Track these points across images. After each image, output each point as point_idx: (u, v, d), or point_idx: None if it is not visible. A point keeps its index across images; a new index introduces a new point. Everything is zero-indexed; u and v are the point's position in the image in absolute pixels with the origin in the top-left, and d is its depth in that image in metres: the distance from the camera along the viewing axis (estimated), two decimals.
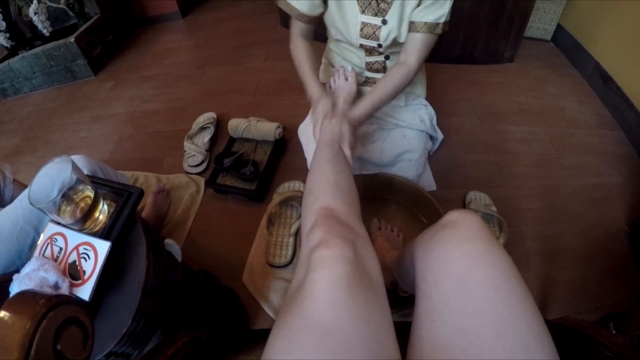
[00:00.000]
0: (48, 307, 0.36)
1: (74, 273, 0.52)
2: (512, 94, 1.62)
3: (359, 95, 0.94)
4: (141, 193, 0.62)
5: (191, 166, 1.41)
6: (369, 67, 0.98)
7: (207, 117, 1.56)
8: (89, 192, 0.56)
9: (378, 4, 0.81)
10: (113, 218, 0.58)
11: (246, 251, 1.14)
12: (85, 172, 0.73)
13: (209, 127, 1.51)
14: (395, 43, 0.87)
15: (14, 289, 0.48)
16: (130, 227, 0.61)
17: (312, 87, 0.87)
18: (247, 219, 1.22)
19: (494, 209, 1.17)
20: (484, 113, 1.53)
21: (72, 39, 1.94)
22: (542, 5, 1.79)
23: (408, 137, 1.03)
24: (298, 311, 0.39)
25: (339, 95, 0.90)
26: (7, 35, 1.87)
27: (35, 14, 1.84)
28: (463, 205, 1.20)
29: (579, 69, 1.72)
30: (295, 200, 1.20)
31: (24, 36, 1.97)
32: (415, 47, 0.82)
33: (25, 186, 0.91)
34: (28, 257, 0.59)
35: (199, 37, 2.30)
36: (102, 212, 0.59)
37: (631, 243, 1.10)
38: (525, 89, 1.64)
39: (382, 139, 1.04)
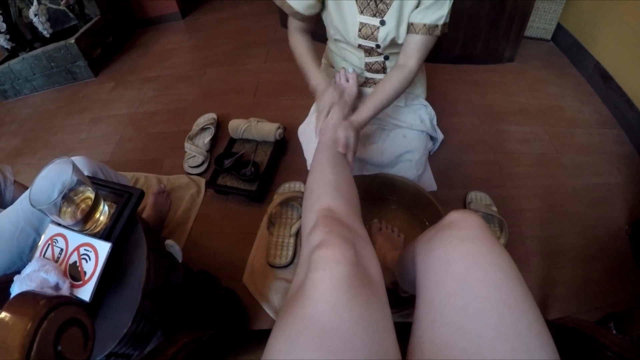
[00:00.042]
0: (49, 308, 0.36)
1: (74, 274, 0.52)
2: (512, 93, 1.62)
3: (359, 96, 0.95)
4: (142, 194, 0.62)
5: (192, 167, 1.41)
6: (369, 67, 0.98)
7: (208, 118, 1.56)
8: (90, 193, 0.56)
9: (376, 5, 0.81)
10: (114, 219, 0.58)
11: (247, 252, 1.14)
12: (86, 173, 0.73)
13: (209, 128, 1.51)
14: (394, 44, 0.87)
15: (15, 290, 0.48)
16: (131, 228, 0.61)
17: (317, 78, 0.88)
18: (248, 220, 1.22)
19: (494, 209, 1.17)
20: (484, 113, 1.53)
21: (72, 40, 1.94)
22: (542, 4, 1.79)
23: (408, 137, 1.03)
24: (299, 312, 0.39)
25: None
26: (8, 36, 1.87)
27: (35, 15, 1.84)
28: (463, 205, 1.20)
29: (579, 69, 1.72)
30: (295, 201, 1.20)
31: (24, 38, 1.97)
32: (415, 49, 0.82)
33: (25, 187, 0.92)
34: (29, 258, 0.59)
35: (199, 38, 2.31)
36: (103, 213, 0.59)
37: (631, 243, 1.10)
38: (525, 89, 1.64)
39: (382, 140, 1.04)
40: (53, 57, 1.98)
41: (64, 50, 1.96)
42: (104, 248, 0.53)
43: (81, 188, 0.54)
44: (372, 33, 0.85)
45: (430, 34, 0.79)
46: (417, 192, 1.03)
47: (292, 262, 1.10)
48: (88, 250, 0.53)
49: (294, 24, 0.92)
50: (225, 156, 1.36)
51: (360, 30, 0.86)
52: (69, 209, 0.53)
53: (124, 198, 0.60)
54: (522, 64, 1.77)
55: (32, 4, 1.83)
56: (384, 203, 1.13)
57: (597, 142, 1.41)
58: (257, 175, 1.28)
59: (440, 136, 1.18)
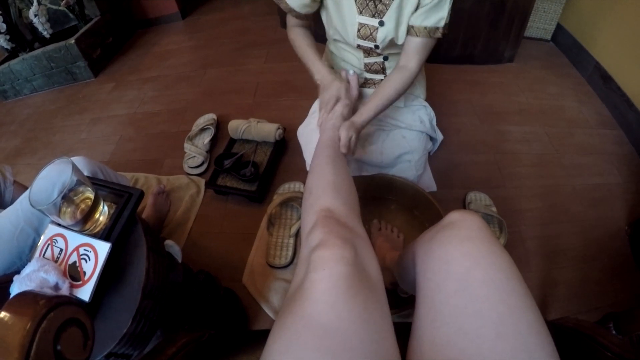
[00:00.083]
0: (48, 307, 0.36)
1: (74, 274, 0.52)
2: (512, 94, 1.62)
3: (359, 97, 0.95)
4: (141, 194, 0.62)
5: (191, 167, 1.41)
6: (368, 68, 0.98)
7: (207, 118, 1.56)
8: (90, 194, 0.56)
9: (375, 5, 0.81)
10: (113, 219, 0.58)
11: (246, 252, 1.14)
12: (86, 173, 0.73)
13: (209, 128, 1.51)
14: (393, 44, 0.87)
15: (15, 290, 0.48)
16: (131, 228, 0.61)
17: (322, 72, 0.88)
18: (248, 220, 1.22)
19: (494, 209, 1.17)
20: (484, 113, 1.53)
21: (72, 40, 1.94)
22: (542, 5, 1.79)
23: (408, 138, 1.03)
24: (298, 311, 0.39)
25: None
26: (8, 37, 1.87)
27: (35, 16, 1.85)
28: (463, 205, 1.20)
29: (579, 69, 1.72)
30: (295, 201, 1.20)
31: (24, 38, 1.97)
32: (415, 51, 0.83)
33: (25, 188, 0.92)
34: (28, 259, 0.59)
35: (199, 39, 2.31)
36: (103, 214, 0.59)
37: (631, 243, 1.10)
38: (525, 89, 1.64)
39: (381, 141, 1.04)
40: (53, 58, 1.98)
41: (64, 50, 1.96)
42: (103, 248, 0.53)
43: (81, 188, 0.54)
44: (371, 34, 0.86)
45: (432, 36, 0.79)
46: (417, 192, 1.03)
47: (291, 262, 1.10)
48: (88, 251, 0.53)
49: (292, 21, 0.93)
50: (225, 156, 1.36)
51: (359, 30, 0.86)
52: (69, 209, 0.53)
53: (124, 198, 0.61)
54: (522, 64, 1.77)
55: (32, 4, 1.83)
56: (383, 203, 1.13)
57: (597, 142, 1.41)
58: (257, 176, 1.28)
59: (439, 137, 1.18)
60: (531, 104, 1.56)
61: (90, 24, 2.07)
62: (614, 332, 0.75)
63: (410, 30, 0.81)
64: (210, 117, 1.56)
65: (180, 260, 0.73)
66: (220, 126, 1.57)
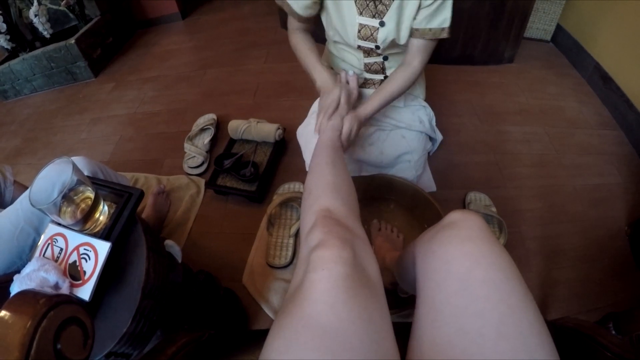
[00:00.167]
0: (48, 306, 0.36)
1: (74, 273, 0.52)
2: (512, 94, 1.62)
3: (359, 98, 0.95)
4: (141, 194, 0.62)
5: (191, 167, 1.41)
6: (368, 68, 0.98)
7: (207, 118, 1.56)
8: (90, 193, 0.56)
9: (376, 6, 0.81)
10: (113, 219, 0.58)
11: (246, 252, 1.14)
12: (86, 173, 0.73)
13: (209, 128, 1.51)
14: (394, 45, 0.87)
15: (15, 289, 0.48)
16: (131, 228, 0.61)
17: (324, 77, 0.87)
18: (247, 220, 1.22)
19: (494, 209, 1.17)
20: (484, 113, 1.53)
21: (72, 40, 1.94)
22: (542, 5, 1.79)
23: (407, 138, 1.03)
24: (297, 311, 0.39)
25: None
26: (8, 37, 1.87)
27: (35, 16, 1.85)
28: (463, 205, 1.20)
29: (578, 69, 1.72)
30: (295, 202, 1.20)
31: (24, 38, 1.98)
32: (419, 50, 0.84)
33: (25, 187, 0.92)
34: (29, 258, 0.59)
35: (199, 39, 2.31)
36: (103, 213, 0.59)
37: (631, 243, 1.10)
38: (525, 89, 1.64)
39: (381, 141, 1.04)
40: (53, 58, 1.98)
41: (64, 50, 1.97)
42: (103, 248, 0.53)
43: (81, 188, 0.54)
44: (372, 34, 0.86)
45: (437, 37, 0.81)
46: (416, 192, 1.03)
47: (291, 262, 1.10)
48: (88, 250, 0.53)
49: (294, 24, 0.93)
50: (225, 157, 1.36)
51: (359, 31, 0.86)
52: (69, 209, 0.53)
53: (124, 198, 0.61)
54: (522, 65, 1.78)
55: (32, 4, 1.83)
56: (383, 203, 1.13)
57: (597, 142, 1.41)
58: (257, 176, 1.28)
59: (439, 137, 1.18)
60: (531, 105, 1.56)
61: (90, 24, 2.07)
62: (613, 332, 0.75)
63: (414, 33, 0.82)
64: (210, 117, 1.56)
65: (180, 260, 0.73)
66: (220, 126, 1.57)
